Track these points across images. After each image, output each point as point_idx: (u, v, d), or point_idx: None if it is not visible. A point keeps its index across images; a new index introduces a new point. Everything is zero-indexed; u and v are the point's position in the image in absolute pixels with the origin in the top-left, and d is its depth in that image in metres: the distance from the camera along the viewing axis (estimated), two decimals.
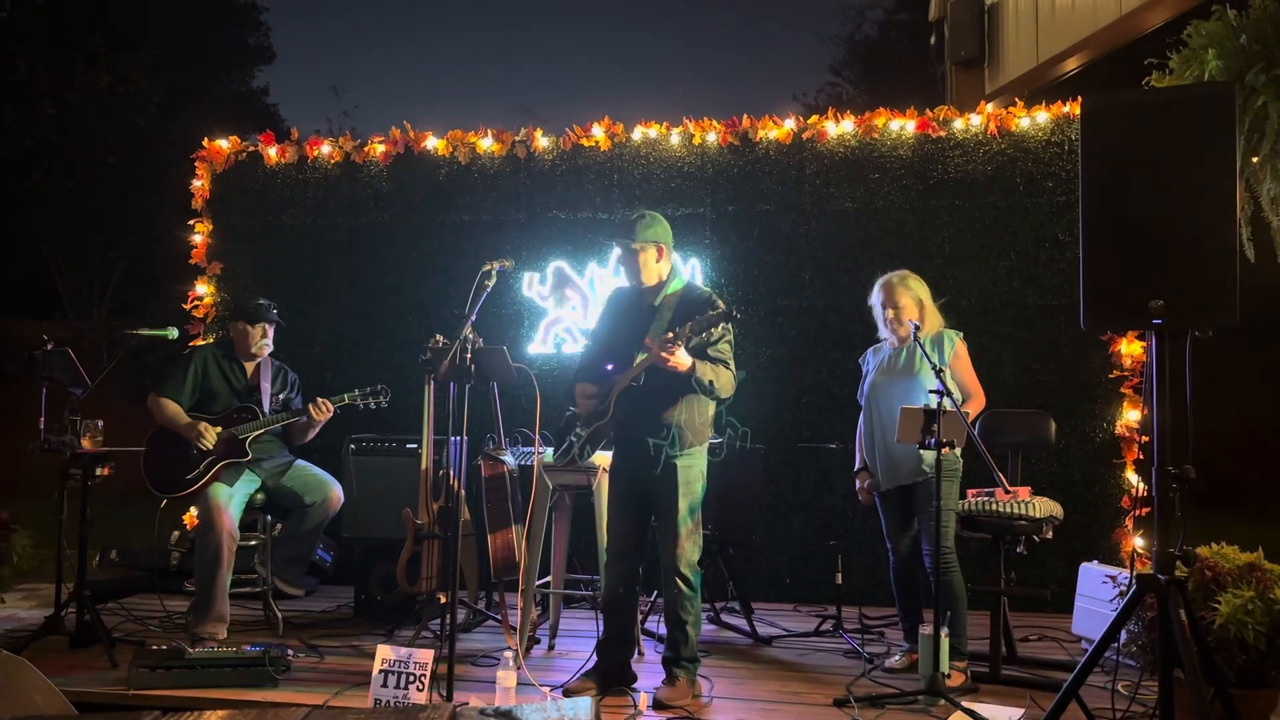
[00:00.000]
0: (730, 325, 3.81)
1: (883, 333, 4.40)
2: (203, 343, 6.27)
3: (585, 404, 4.00)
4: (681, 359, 3.66)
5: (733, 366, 3.90)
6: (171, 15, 16.68)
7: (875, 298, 4.37)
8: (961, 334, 4.35)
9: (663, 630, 4.11)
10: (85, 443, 4.62)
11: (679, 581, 3.89)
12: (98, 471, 4.64)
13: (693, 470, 3.93)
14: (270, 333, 4.96)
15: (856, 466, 4.46)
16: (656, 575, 4.28)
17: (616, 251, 5.92)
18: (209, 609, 4.56)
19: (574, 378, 4.12)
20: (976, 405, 4.25)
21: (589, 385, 4.00)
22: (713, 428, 4.06)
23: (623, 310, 4.11)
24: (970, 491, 4.30)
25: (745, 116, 6.08)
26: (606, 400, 3.91)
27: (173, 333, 5.04)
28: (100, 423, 4.70)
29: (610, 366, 3.93)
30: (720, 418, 4.89)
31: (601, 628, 4.09)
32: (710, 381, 3.77)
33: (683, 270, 6.04)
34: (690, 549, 3.90)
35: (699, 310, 3.80)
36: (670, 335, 3.64)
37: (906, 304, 4.26)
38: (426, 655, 3.62)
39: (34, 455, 4.67)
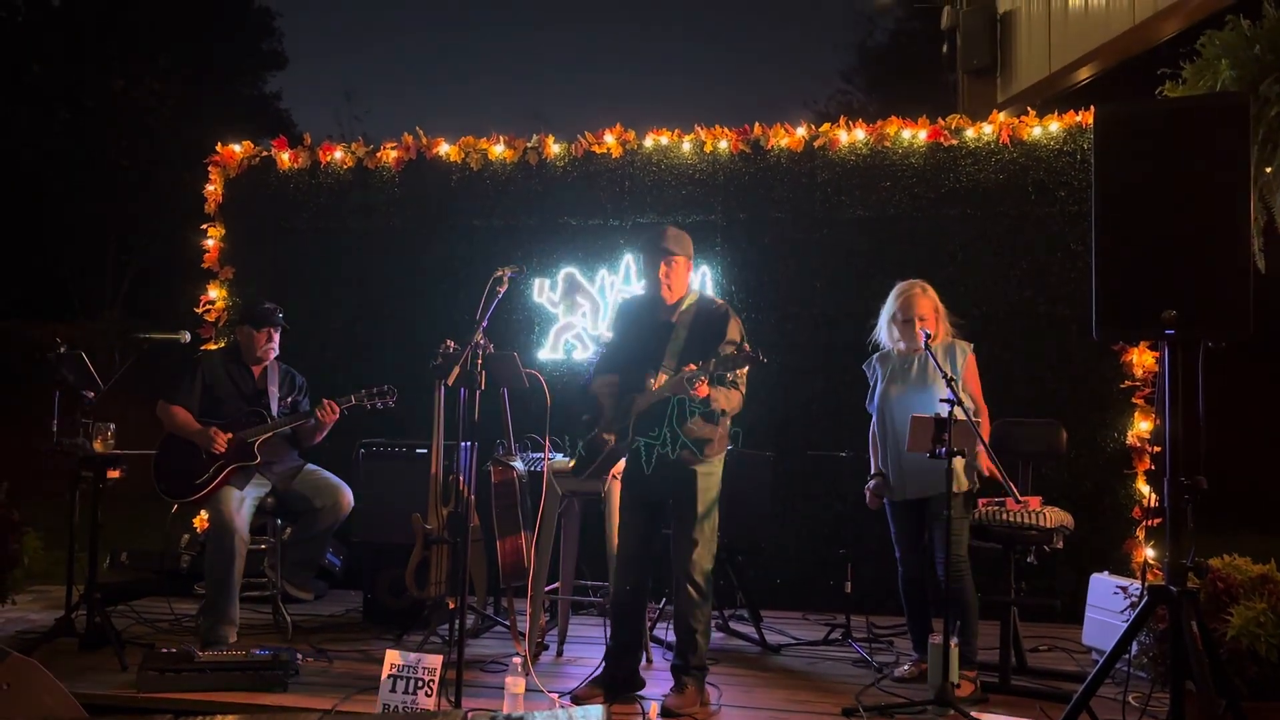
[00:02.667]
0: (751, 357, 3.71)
1: (885, 341, 4.40)
2: (210, 348, 6.30)
3: (607, 399, 3.95)
4: (703, 390, 3.65)
5: (743, 384, 3.88)
6: (185, 20, 16.78)
7: (891, 306, 4.35)
8: (972, 346, 4.33)
9: (671, 637, 4.11)
10: (97, 445, 4.64)
11: (691, 589, 3.88)
12: (109, 474, 4.66)
13: (712, 478, 3.94)
14: (276, 337, 4.96)
15: (872, 471, 4.45)
16: (664, 581, 4.28)
17: (628, 259, 5.93)
18: (219, 612, 4.57)
19: (590, 378, 4.09)
20: (986, 422, 4.24)
21: (611, 377, 3.97)
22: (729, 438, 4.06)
23: (636, 322, 4.08)
24: (981, 501, 4.29)
25: (757, 124, 6.08)
26: (625, 420, 3.89)
27: (185, 336, 5.05)
28: (112, 425, 4.72)
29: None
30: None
31: (610, 634, 4.08)
32: (722, 410, 3.79)
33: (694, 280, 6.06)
34: (705, 557, 3.90)
35: (714, 328, 3.82)
36: (695, 368, 3.62)
37: (928, 314, 4.25)
38: (435, 660, 3.62)
39: (46, 457, 4.69)
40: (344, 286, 6.50)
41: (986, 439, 4.10)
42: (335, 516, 4.87)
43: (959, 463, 3.95)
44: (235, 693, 3.91)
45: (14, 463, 5.92)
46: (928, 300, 4.27)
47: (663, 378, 3.78)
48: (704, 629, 3.94)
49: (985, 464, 4.18)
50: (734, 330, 3.85)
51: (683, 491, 3.89)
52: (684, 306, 3.97)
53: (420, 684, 3.58)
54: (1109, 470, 5.54)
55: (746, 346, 3.67)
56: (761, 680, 4.37)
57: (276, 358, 5.02)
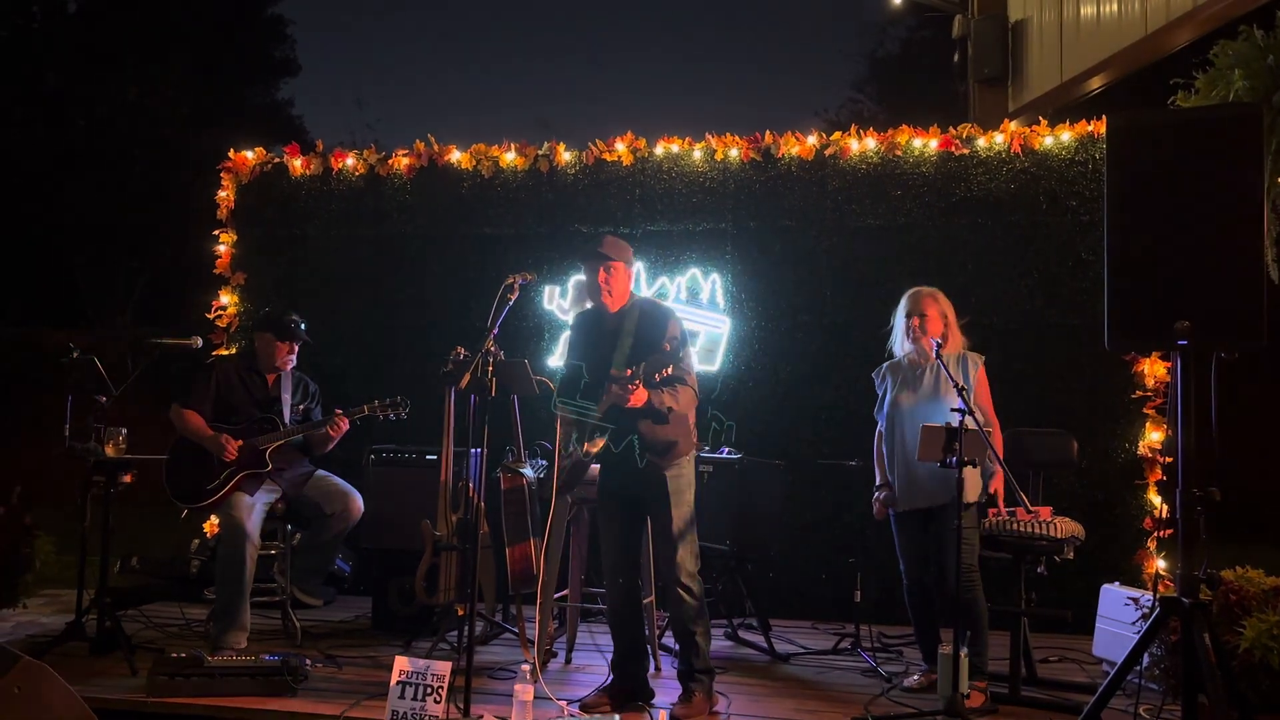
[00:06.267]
0: (685, 346, 3.79)
1: (899, 347, 4.39)
2: (225, 353, 6.32)
3: (564, 430, 4.03)
4: (638, 397, 3.68)
5: (692, 377, 3.91)
6: (199, 28, 16.88)
7: (901, 308, 4.37)
8: (984, 358, 4.32)
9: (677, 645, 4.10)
10: (109, 450, 4.65)
11: (681, 593, 3.89)
12: (120, 479, 4.67)
13: (682, 480, 3.95)
14: (297, 350, 4.99)
15: (878, 482, 4.44)
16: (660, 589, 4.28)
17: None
18: (229, 618, 4.58)
19: (554, 400, 4.12)
20: (998, 435, 4.23)
21: (566, 412, 4.02)
22: (696, 433, 4.08)
23: (587, 336, 4.13)
24: (991, 511, 4.27)
25: (768, 132, 6.09)
26: (585, 430, 3.91)
27: (197, 342, 5.06)
28: (124, 430, 4.73)
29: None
30: (705, 412, 4.88)
31: (613, 646, 4.09)
32: (668, 409, 3.79)
33: (701, 286, 6.06)
34: (688, 559, 3.91)
35: (658, 329, 3.85)
36: (629, 373, 3.65)
37: (933, 315, 4.25)
38: (444, 667, 3.62)
39: (58, 462, 4.71)
40: (355, 293, 6.52)
41: (1000, 453, 4.08)
42: (345, 523, 4.88)
43: (971, 472, 3.93)
44: (244, 698, 3.91)
45: (27, 467, 5.97)
46: (934, 301, 4.29)
47: (613, 389, 3.80)
48: (703, 630, 3.93)
49: (995, 484, 4.18)
50: (674, 328, 3.88)
51: (655, 497, 3.91)
52: (627, 311, 4.00)
53: (429, 690, 3.58)
54: (1120, 481, 5.51)
55: (667, 346, 3.69)
56: (770, 689, 4.35)
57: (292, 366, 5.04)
